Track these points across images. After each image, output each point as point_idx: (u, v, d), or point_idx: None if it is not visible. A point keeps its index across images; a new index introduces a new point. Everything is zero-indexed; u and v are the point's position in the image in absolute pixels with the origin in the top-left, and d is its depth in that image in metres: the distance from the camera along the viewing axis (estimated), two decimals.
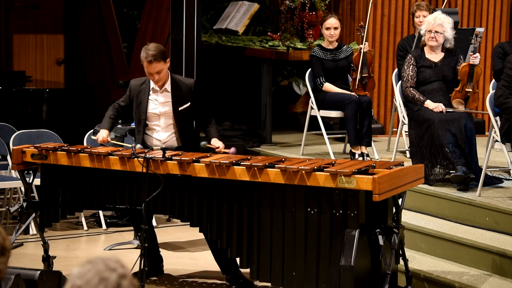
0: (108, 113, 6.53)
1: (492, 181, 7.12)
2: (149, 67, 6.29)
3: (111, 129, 6.48)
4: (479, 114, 9.61)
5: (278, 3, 10.68)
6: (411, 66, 7.45)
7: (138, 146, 6.00)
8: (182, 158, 5.78)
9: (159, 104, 6.40)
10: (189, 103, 6.41)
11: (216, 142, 6.32)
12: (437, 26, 7.37)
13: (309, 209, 5.40)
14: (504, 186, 7.08)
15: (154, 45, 6.36)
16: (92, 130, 8.00)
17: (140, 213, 5.72)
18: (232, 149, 6.17)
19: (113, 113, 6.51)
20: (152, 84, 6.40)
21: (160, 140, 6.40)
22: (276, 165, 5.49)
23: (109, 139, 6.38)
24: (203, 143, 6.18)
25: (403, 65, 7.57)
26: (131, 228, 7.78)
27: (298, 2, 9.60)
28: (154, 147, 6.33)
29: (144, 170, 5.70)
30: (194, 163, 5.75)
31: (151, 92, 6.41)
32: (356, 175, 5.24)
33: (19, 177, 6.79)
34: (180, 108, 6.39)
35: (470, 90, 7.42)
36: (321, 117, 8.42)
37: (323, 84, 8.38)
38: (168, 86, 6.39)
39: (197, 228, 5.87)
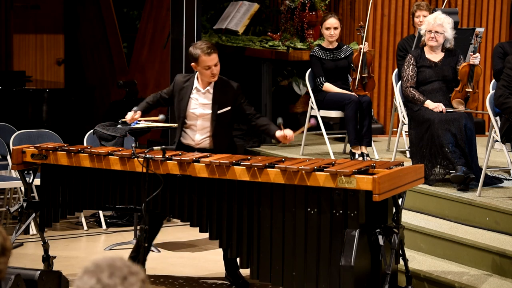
0: (148, 98, 6.46)
1: (492, 181, 7.12)
2: (208, 60, 6.17)
3: (143, 112, 6.39)
4: (479, 114, 9.61)
5: (278, 3, 10.68)
6: (411, 66, 7.45)
7: (162, 116, 5.96)
8: (182, 158, 5.79)
9: (199, 104, 6.29)
10: (229, 107, 6.29)
11: (281, 133, 6.16)
12: (437, 26, 7.37)
13: (309, 209, 5.40)
14: (504, 186, 7.08)
15: (202, 41, 6.37)
16: (92, 130, 8.00)
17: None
18: (312, 121, 6.19)
19: (152, 100, 6.43)
20: (196, 83, 6.31)
21: (194, 141, 6.31)
22: (276, 165, 5.49)
23: (137, 119, 6.32)
24: (279, 120, 6.11)
25: (403, 65, 7.57)
26: (131, 228, 7.78)
27: (298, 2, 9.60)
28: (185, 145, 6.29)
29: (144, 170, 5.70)
30: (194, 163, 5.75)
31: (194, 91, 6.31)
32: (356, 175, 5.24)
33: (19, 177, 6.79)
34: (219, 112, 6.28)
35: (470, 90, 7.42)
36: (321, 117, 8.42)
37: (323, 84, 8.38)
38: (211, 87, 6.30)
39: (197, 228, 5.87)
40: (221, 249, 6.16)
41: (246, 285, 6.37)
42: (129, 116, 6.28)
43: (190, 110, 6.29)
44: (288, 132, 6.14)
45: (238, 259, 5.79)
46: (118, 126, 7.70)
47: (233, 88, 6.34)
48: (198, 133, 6.30)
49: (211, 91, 6.29)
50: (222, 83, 6.33)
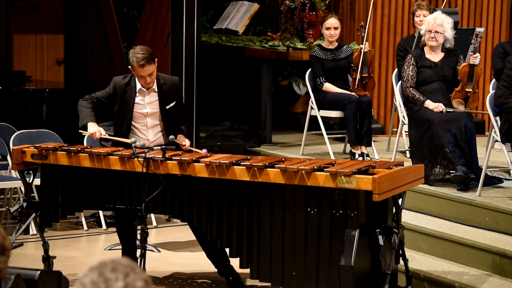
0: (86, 104, 6.41)
1: (492, 181, 7.12)
2: (142, 71, 6.25)
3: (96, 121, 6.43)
4: (479, 114, 9.61)
5: (278, 3, 10.68)
6: (411, 66, 7.45)
7: (133, 139, 5.96)
8: (182, 158, 5.79)
9: (146, 104, 6.40)
10: (174, 102, 6.45)
11: (182, 139, 6.33)
12: (437, 26, 7.37)
13: (309, 209, 5.40)
14: (504, 186, 7.08)
15: (142, 47, 6.32)
16: None
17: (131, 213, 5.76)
18: (204, 150, 6.18)
19: (92, 106, 6.42)
20: (138, 85, 6.37)
21: (149, 140, 6.39)
22: (276, 165, 5.49)
23: (103, 133, 6.33)
24: (171, 136, 6.11)
25: (403, 65, 7.57)
26: None
27: (298, 2, 9.60)
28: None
29: (144, 170, 5.70)
30: (194, 163, 5.75)
31: (137, 94, 6.38)
32: (356, 175, 5.24)
33: (19, 177, 6.79)
34: (167, 107, 6.42)
35: (470, 90, 7.42)
36: (321, 117, 8.42)
37: (323, 84, 8.38)
38: (155, 86, 6.40)
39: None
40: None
41: (238, 280, 6.38)
42: (98, 134, 6.27)
43: (138, 111, 6.34)
44: (188, 143, 6.34)
45: (238, 259, 5.79)
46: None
47: (175, 82, 6.49)
48: (150, 131, 6.37)
49: (156, 89, 6.38)
50: (163, 79, 6.43)
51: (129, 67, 6.34)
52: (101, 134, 6.31)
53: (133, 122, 6.43)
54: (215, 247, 5.96)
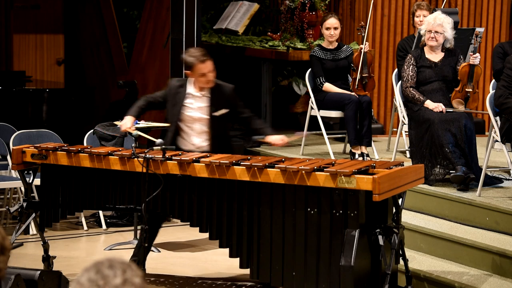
0: (139, 102, 6.38)
1: (492, 181, 7.12)
2: (204, 67, 6.15)
3: (137, 117, 6.37)
4: (479, 114, 9.61)
5: (278, 3, 10.68)
6: (411, 66, 7.45)
7: (159, 141, 5.91)
8: (182, 158, 5.79)
9: (195, 109, 6.27)
10: (226, 110, 6.27)
11: (274, 139, 6.26)
12: (437, 26, 7.37)
13: (309, 209, 5.40)
14: (504, 186, 7.08)
15: (195, 48, 6.30)
16: (92, 130, 8.00)
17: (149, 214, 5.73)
18: (304, 132, 6.18)
19: (144, 104, 6.36)
20: (189, 89, 6.26)
21: (194, 145, 6.27)
22: (276, 165, 5.49)
23: (132, 129, 6.27)
24: (255, 137, 6.11)
25: (403, 65, 7.57)
26: (131, 228, 7.77)
27: (298, 2, 9.60)
28: (185, 150, 6.18)
29: (144, 170, 5.70)
30: (194, 163, 5.75)
31: (188, 96, 6.28)
32: (356, 175, 5.25)
33: (19, 177, 6.79)
34: (217, 114, 6.25)
35: (470, 90, 7.42)
36: (321, 117, 8.42)
37: (323, 84, 8.38)
38: (207, 91, 6.27)
39: (197, 228, 5.87)
40: (221, 249, 6.15)
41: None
42: (124, 126, 6.23)
43: (187, 113, 6.26)
44: (284, 139, 6.27)
45: (238, 259, 5.79)
46: (118, 126, 7.70)
47: (229, 91, 6.33)
48: (196, 136, 6.28)
49: (208, 94, 6.27)
50: (217, 86, 6.32)
51: (187, 72, 6.22)
52: (127, 127, 6.22)
53: (181, 125, 6.30)
54: None
